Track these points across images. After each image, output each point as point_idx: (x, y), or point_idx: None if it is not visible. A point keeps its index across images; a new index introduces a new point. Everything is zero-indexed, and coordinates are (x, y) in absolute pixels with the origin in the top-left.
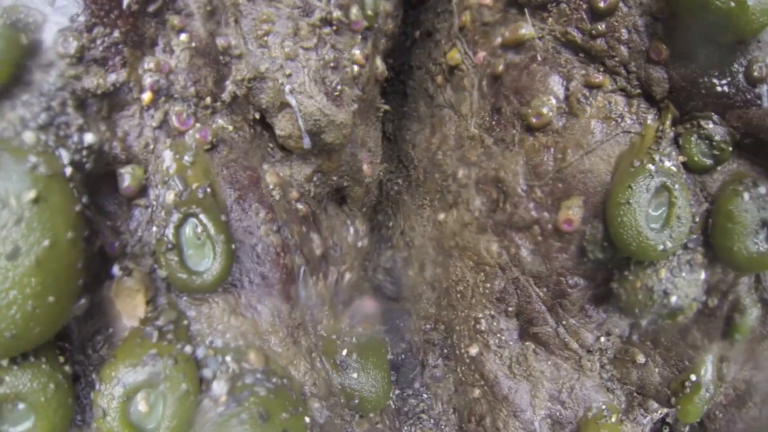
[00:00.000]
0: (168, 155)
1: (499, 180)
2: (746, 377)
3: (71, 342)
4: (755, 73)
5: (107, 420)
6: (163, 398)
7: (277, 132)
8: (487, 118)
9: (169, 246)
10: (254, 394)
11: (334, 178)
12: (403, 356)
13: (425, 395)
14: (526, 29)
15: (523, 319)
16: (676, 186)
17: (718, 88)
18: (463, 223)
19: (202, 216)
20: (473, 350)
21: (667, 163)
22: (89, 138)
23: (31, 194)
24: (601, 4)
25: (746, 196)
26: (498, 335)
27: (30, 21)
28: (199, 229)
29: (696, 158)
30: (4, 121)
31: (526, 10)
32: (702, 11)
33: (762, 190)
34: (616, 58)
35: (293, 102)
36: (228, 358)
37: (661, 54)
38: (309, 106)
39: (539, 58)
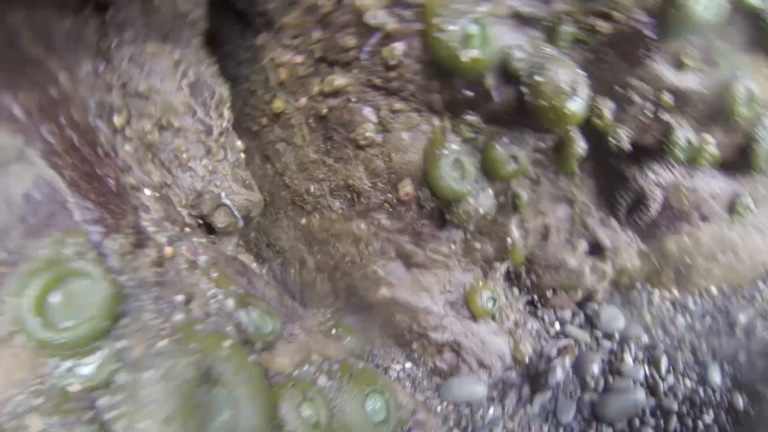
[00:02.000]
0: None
1: (349, 186)
2: (539, 224)
3: None
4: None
5: None
6: None
7: (219, 225)
8: (322, 146)
9: None
10: None
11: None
12: None
13: None
14: (340, 80)
15: (403, 258)
16: (462, 156)
17: (471, 97)
18: (331, 220)
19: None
20: (383, 291)
21: (453, 146)
22: None
23: None
24: (391, 62)
25: (497, 145)
26: (393, 274)
27: None
28: None
29: (466, 135)
30: None
31: (335, 68)
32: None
33: (505, 140)
34: (407, 92)
35: (228, 202)
36: None
37: (435, 87)
38: (238, 200)
39: (353, 99)
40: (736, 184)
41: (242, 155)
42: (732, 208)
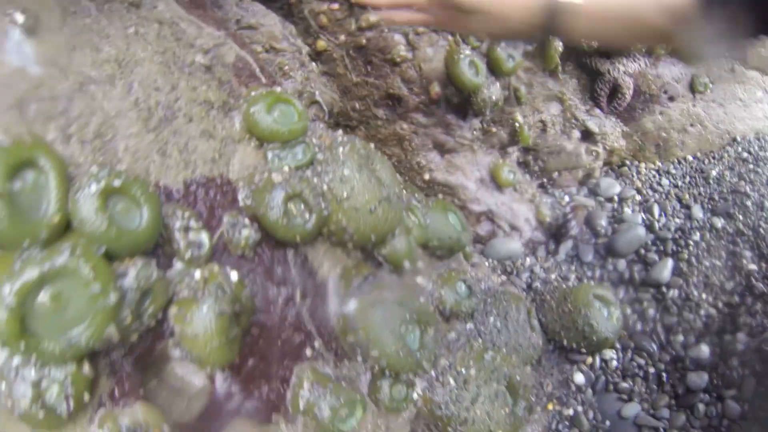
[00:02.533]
0: None
1: (390, 95)
2: (537, 120)
3: None
4: None
5: None
6: None
7: (312, 116)
8: (363, 69)
9: None
10: None
11: None
12: None
13: None
14: (375, 17)
15: (438, 147)
16: (473, 58)
17: None
18: (377, 127)
19: None
20: (426, 176)
21: (466, 51)
22: None
23: None
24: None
25: (498, 48)
26: (432, 161)
27: None
28: None
29: (473, 44)
30: None
31: (368, 7)
32: None
33: (502, 44)
34: None
35: (320, 99)
36: None
37: None
38: (325, 98)
39: (385, 29)
40: (692, 67)
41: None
42: (693, 87)
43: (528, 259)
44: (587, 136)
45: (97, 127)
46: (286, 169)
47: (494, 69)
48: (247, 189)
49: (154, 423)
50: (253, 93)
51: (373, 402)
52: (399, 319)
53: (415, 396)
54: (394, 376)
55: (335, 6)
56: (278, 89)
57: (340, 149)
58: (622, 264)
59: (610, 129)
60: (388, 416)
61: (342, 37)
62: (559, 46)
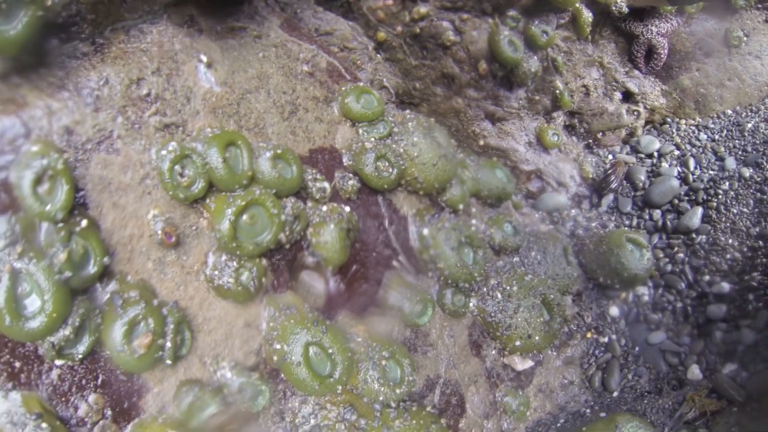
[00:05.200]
0: None
1: (445, 74)
2: (580, 85)
3: None
4: None
5: None
6: None
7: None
8: (419, 53)
9: None
10: None
11: None
12: None
13: None
14: (423, 9)
15: (489, 116)
16: (512, 37)
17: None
18: (437, 103)
19: None
20: (480, 142)
21: (505, 32)
22: None
23: None
24: None
25: (532, 26)
26: (485, 129)
27: None
28: None
29: (511, 24)
30: None
31: (417, 2)
32: None
33: (536, 21)
34: (468, 6)
35: (387, 84)
36: None
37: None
38: (391, 83)
39: (435, 18)
40: (725, 22)
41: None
42: (728, 41)
43: (573, 211)
44: (628, 96)
45: (255, 120)
46: (372, 139)
47: (531, 44)
48: (349, 154)
49: (298, 306)
50: (343, 88)
51: (440, 307)
52: (457, 241)
53: (471, 305)
54: (455, 287)
55: (389, 2)
56: (360, 83)
57: (410, 123)
58: (657, 213)
59: (650, 89)
60: (452, 320)
61: (399, 28)
62: (588, 16)
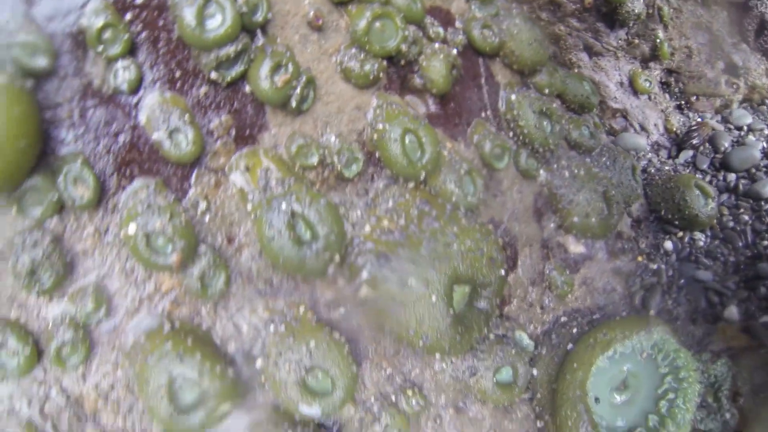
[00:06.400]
0: None
1: (552, 1)
2: (684, 45)
3: None
4: None
5: None
6: None
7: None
8: None
9: None
10: None
11: None
12: None
13: None
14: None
15: (587, 49)
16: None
17: None
18: (541, 26)
19: None
20: (575, 70)
21: None
22: None
23: None
24: None
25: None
26: (581, 60)
27: None
28: None
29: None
30: None
31: None
32: None
33: None
34: None
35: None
36: None
37: None
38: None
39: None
40: None
41: None
42: None
43: (650, 155)
44: (731, 68)
45: None
46: (482, 15)
47: None
48: (460, 19)
49: (403, 105)
50: None
51: (515, 165)
52: (539, 108)
53: (541, 176)
54: (531, 149)
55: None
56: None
57: (514, 10)
58: (731, 177)
59: (755, 65)
60: (522, 180)
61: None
62: None
